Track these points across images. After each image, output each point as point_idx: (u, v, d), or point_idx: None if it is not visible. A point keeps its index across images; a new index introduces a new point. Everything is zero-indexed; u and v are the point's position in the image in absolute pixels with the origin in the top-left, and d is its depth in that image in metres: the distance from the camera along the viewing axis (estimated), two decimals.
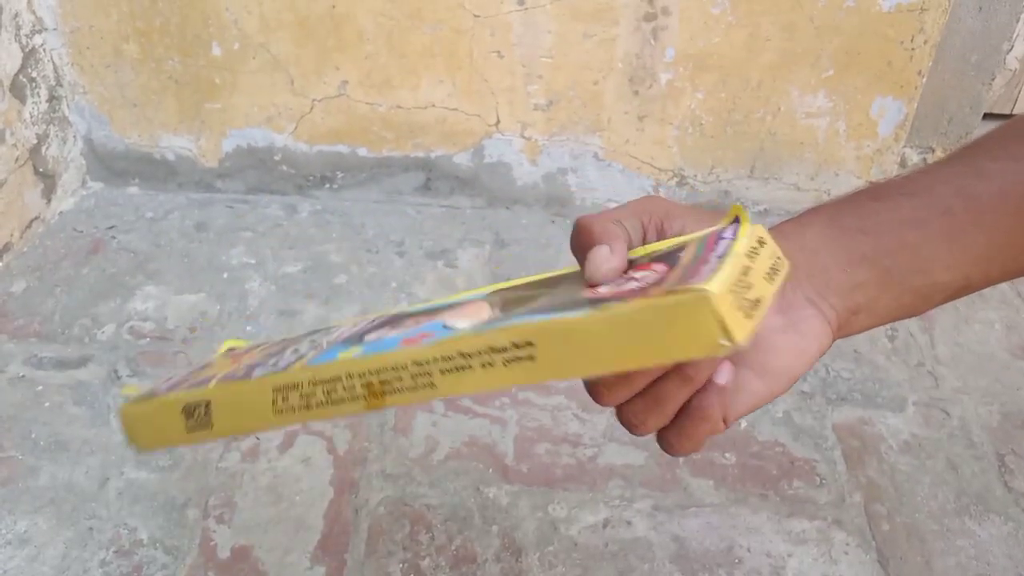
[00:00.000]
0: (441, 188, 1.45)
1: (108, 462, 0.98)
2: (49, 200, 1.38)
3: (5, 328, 1.17)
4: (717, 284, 0.38)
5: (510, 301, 0.49)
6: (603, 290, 0.44)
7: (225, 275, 1.29)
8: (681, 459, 1.01)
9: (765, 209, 1.44)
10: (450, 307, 0.51)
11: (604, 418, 1.05)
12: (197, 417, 0.54)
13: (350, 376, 0.50)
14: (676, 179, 1.42)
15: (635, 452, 1.01)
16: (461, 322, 0.48)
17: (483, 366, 0.45)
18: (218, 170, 1.45)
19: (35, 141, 1.33)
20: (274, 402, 0.53)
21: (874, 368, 1.15)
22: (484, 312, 0.49)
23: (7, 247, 1.28)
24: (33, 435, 1.01)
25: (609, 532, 0.91)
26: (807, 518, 0.94)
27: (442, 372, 0.47)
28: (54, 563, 0.87)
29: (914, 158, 1.46)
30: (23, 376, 1.09)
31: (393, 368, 0.48)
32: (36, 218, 1.35)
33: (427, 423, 1.03)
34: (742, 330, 0.38)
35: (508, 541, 0.90)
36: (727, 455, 1.02)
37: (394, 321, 0.53)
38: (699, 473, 0.99)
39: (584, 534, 0.91)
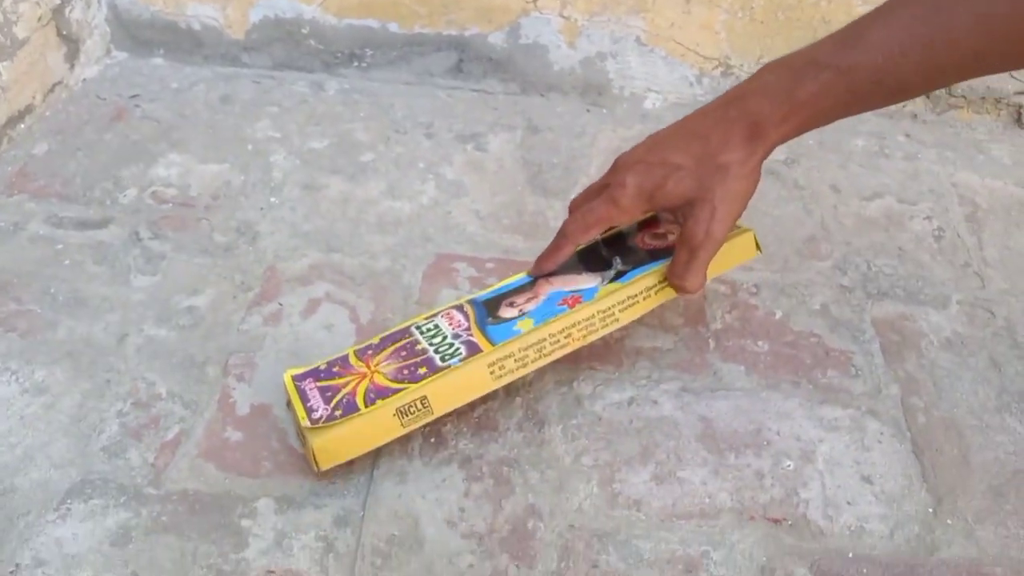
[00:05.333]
0: (473, 71, 1.40)
1: (127, 319, 0.97)
2: (72, 65, 1.34)
3: (26, 188, 1.15)
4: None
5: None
6: (649, 241, 0.89)
7: (249, 147, 1.25)
8: (712, 345, 0.97)
9: None
10: (538, 282, 0.87)
11: None
12: (413, 413, 0.71)
13: (552, 334, 0.76)
14: (721, 68, 1.35)
15: (664, 336, 0.98)
16: (592, 281, 0.83)
17: (644, 298, 0.81)
18: (244, 43, 1.40)
19: (59, 2, 1.29)
20: (491, 372, 0.74)
21: (918, 266, 1.10)
22: (592, 278, 0.84)
23: (29, 109, 1.25)
24: (52, 291, 1.00)
25: (634, 409, 0.89)
26: (840, 406, 0.91)
27: (621, 309, 0.80)
28: (71, 412, 0.86)
29: None
30: (43, 234, 1.07)
31: (587, 318, 0.78)
32: (59, 83, 1.31)
33: (451, 297, 1.00)
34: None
35: (531, 412, 0.87)
36: (760, 343, 0.98)
37: (504, 300, 0.84)
38: (730, 359, 0.96)
39: (609, 410, 0.89)
